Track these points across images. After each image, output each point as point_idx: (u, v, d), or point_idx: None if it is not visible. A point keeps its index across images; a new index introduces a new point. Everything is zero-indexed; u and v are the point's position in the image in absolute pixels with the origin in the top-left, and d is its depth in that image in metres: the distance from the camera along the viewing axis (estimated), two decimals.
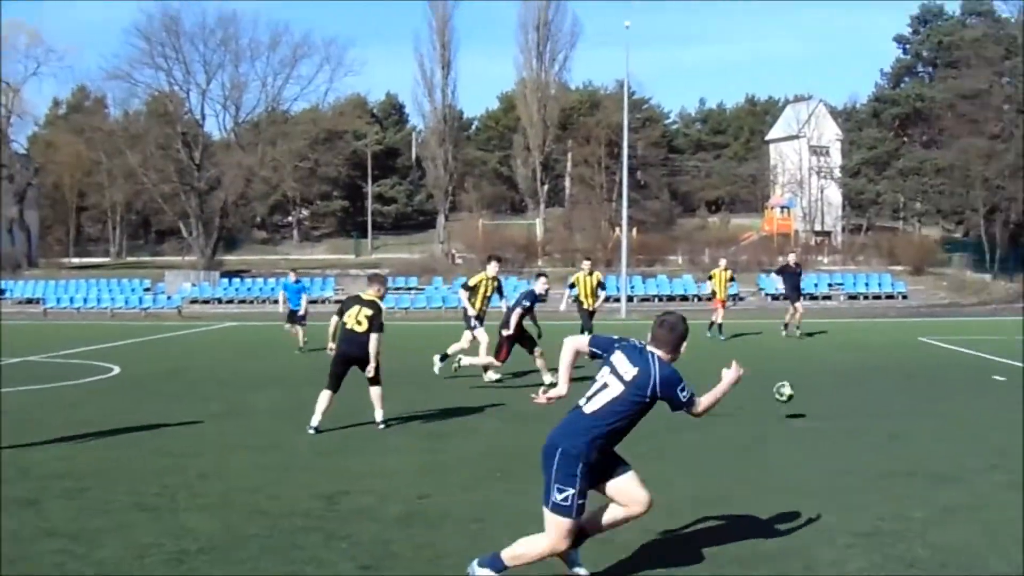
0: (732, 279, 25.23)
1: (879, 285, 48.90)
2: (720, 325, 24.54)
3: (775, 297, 43.89)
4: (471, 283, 15.69)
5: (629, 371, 5.68)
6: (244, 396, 14.74)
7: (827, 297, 46.91)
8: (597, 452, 5.61)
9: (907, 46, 69.31)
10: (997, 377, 16.22)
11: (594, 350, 5.97)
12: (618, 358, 5.77)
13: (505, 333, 14.61)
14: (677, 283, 48.49)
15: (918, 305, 45.20)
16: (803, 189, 70.92)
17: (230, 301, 49.06)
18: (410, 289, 49.77)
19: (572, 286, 19.80)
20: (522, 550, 5.65)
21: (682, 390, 5.68)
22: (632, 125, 56.94)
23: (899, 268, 52.84)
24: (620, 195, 49.28)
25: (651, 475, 6.41)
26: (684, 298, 46.48)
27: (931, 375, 17.09)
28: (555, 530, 5.59)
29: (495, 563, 5.65)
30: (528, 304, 14.71)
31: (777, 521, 7.12)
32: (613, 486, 5.78)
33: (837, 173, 71.13)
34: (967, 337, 24.72)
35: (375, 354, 11.08)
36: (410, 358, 18.56)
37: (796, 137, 73.50)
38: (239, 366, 20.30)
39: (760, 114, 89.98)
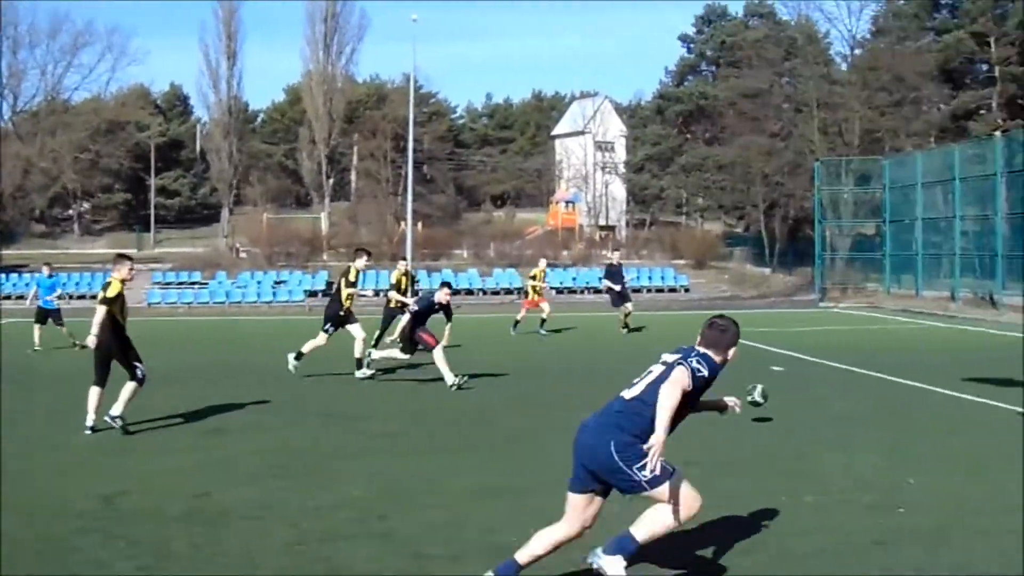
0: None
1: (662, 279, 50.20)
2: (543, 320, 24.45)
3: (559, 291, 44.77)
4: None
5: (672, 356, 5.69)
6: (28, 395, 14.34)
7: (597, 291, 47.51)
8: (643, 435, 5.42)
9: (691, 45, 71.85)
10: (775, 368, 16.76)
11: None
12: (663, 357, 5.76)
13: (413, 328, 14.76)
14: (462, 277, 48.36)
15: (700, 298, 46.34)
16: (588, 184, 72.07)
17: (7, 297, 45.36)
18: (193, 284, 48.48)
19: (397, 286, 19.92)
20: (654, 519, 5.45)
21: (701, 363, 5.58)
22: (418, 119, 57.14)
23: (682, 262, 54.21)
24: (406, 189, 49.17)
25: (439, 468, 6.91)
26: (469, 292, 46.51)
27: None
28: (670, 497, 5.41)
29: (626, 545, 5.41)
30: (418, 311, 14.81)
31: (560, 513, 6.74)
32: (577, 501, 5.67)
33: (622, 169, 72.83)
34: (747, 329, 25.30)
35: (94, 323, 10.85)
36: (195, 354, 18.25)
37: (581, 133, 74.91)
38: (14, 364, 18.99)
39: (546, 110, 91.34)
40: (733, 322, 5.92)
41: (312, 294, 44.97)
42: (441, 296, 15.12)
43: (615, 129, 75.13)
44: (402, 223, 52.60)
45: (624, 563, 5.39)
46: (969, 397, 13.37)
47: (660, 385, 5.43)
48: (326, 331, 15.71)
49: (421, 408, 12.85)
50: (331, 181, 69.99)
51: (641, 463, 5.29)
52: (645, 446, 5.28)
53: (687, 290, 49.06)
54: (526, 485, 8.30)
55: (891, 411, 12.38)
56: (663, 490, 5.38)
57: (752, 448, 9.95)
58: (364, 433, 11.10)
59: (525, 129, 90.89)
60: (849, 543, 6.64)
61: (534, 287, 24.81)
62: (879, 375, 15.90)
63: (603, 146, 74.73)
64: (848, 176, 42.98)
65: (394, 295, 18.37)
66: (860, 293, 40.84)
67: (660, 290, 48.74)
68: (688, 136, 68.37)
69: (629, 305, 24.04)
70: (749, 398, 8.14)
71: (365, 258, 15.96)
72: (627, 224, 71.75)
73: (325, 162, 68.65)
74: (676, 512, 5.39)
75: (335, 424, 11.62)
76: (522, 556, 5.57)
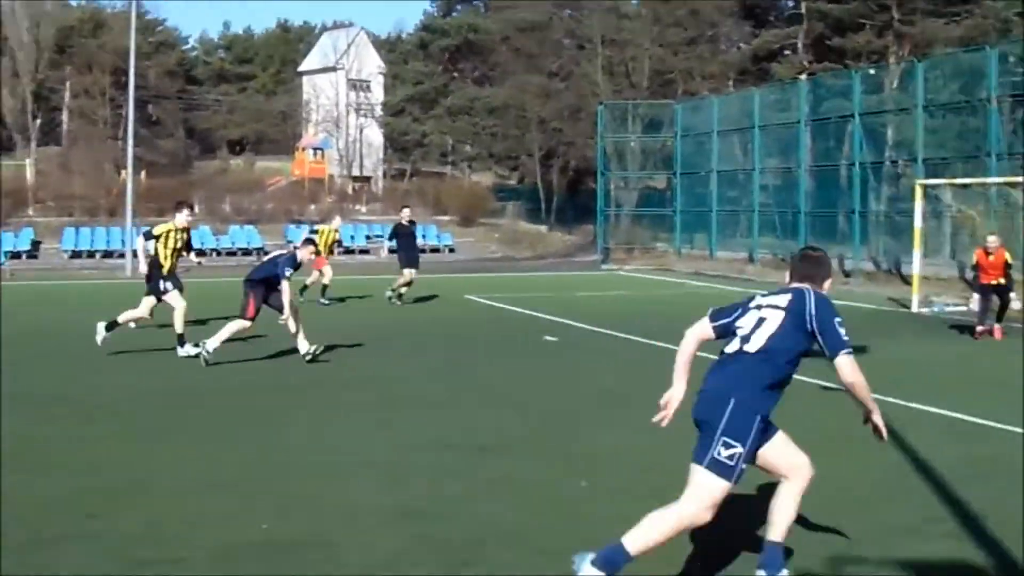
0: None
1: (424, 237, 48.15)
2: (325, 287, 23.21)
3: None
4: (156, 232, 15.63)
5: (782, 299, 5.62)
6: None
7: (365, 251, 45.84)
8: (773, 405, 5.51)
9: None
10: (549, 337, 17.19)
11: (720, 324, 5.76)
12: (759, 301, 5.71)
13: (253, 294, 14.44)
14: (193, 235, 44.62)
15: (466, 259, 45.62)
16: (340, 128, 70.98)
17: None
18: None
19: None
20: (651, 533, 5.24)
21: (840, 325, 5.47)
22: (142, 50, 55.63)
23: (446, 218, 54.39)
24: (127, 132, 47.34)
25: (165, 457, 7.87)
26: (201, 252, 42.67)
27: (478, 336, 17.80)
28: (705, 494, 5.28)
29: (615, 558, 5.19)
30: (288, 274, 14.47)
31: (298, 507, 7.34)
32: (771, 452, 5.60)
33: (379, 111, 72.24)
34: (520, 294, 25.46)
35: None
36: None
37: (333, 69, 73.86)
38: None
39: (293, 42, 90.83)
40: (824, 252, 6.07)
41: (15, 255, 42.83)
42: (305, 253, 14.91)
43: (372, 65, 74.21)
44: (123, 172, 49.32)
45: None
46: None
47: (782, 342, 5.46)
48: (164, 291, 15.36)
49: (164, 387, 12.53)
50: (38, 122, 67.87)
51: (731, 442, 5.30)
52: (877, 419, 5.56)
53: (452, 250, 48.60)
54: (262, 476, 8.29)
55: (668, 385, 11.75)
56: (713, 484, 5.31)
57: (520, 428, 10.16)
58: (83, 418, 10.67)
59: (268, 64, 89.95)
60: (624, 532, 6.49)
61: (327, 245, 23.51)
62: (665, 345, 15.71)
63: (358, 85, 73.65)
64: (636, 122, 42.92)
65: (143, 245, 17.08)
66: (648, 254, 40.94)
67: (422, 251, 46.14)
68: (455, 75, 69.10)
69: (414, 272, 23.28)
70: None
71: (187, 212, 15.88)
72: (384, 175, 71.26)
73: (31, 100, 66.25)
74: (691, 512, 5.35)
75: (58, 408, 11.21)
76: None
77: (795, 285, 5.69)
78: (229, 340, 14.11)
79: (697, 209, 39.24)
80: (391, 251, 23.75)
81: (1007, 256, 17.46)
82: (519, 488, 7.86)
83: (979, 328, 17.32)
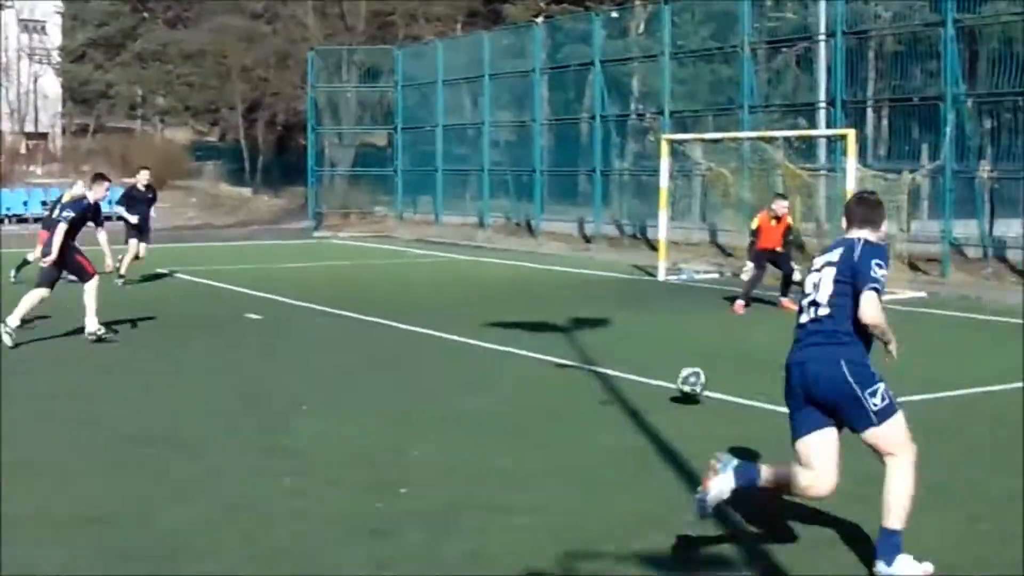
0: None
1: (109, 203, 44.28)
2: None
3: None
4: None
5: (835, 254, 6.16)
6: None
7: (38, 219, 42.39)
8: (868, 349, 6.06)
9: None
10: (251, 315, 17.06)
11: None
12: (817, 262, 6.29)
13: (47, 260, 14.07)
14: None
15: (160, 227, 42.47)
16: (9, 77, 67.47)
17: None
18: None
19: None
20: (903, 499, 5.89)
21: (879, 267, 6.00)
22: None
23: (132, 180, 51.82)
24: None
25: None
26: None
27: (170, 315, 17.32)
28: (900, 435, 5.95)
29: (892, 545, 5.87)
30: (74, 216, 13.89)
31: None
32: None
33: (56, 57, 69.97)
34: (220, 267, 25.28)
35: None
36: None
37: (1, 7, 69.81)
38: None
39: None
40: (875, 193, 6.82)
41: None
42: (99, 192, 14.59)
43: (47, 4, 70.63)
44: None
45: (907, 557, 5.88)
46: (491, 346, 13.85)
47: (840, 292, 6.02)
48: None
49: None
50: None
51: (873, 389, 5.88)
52: (893, 348, 6.09)
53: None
54: None
55: (393, 365, 12.74)
56: (894, 423, 5.94)
57: (215, 418, 10.00)
58: None
59: None
60: (340, 533, 6.75)
61: None
62: (382, 321, 16.28)
63: (30, 26, 70.12)
64: (351, 71, 42.46)
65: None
66: (366, 219, 41.03)
67: (107, 218, 43.48)
68: (145, 15, 67.13)
69: (142, 247, 22.06)
70: (687, 388, 9.72)
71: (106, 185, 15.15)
72: (63, 131, 68.81)
73: None
74: (910, 456, 5.96)
75: None
76: (767, 475, 6.10)
77: (851, 235, 6.23)
78: None
79: (421, 169, 39.05)
80: (120, 219, 22.38)
81: (790, 222, 17.47)
82: (214, 488, 7.74)
83: (739, 302, 17.00)
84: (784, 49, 26.53)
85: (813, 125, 24.80)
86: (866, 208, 6.30)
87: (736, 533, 6.54)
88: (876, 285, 5.88)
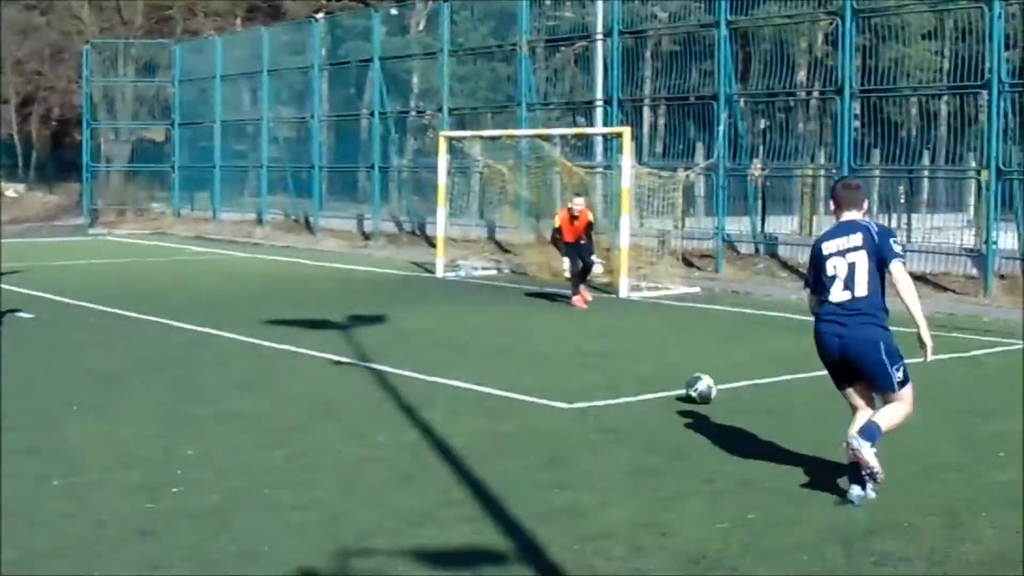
0: None
1: None
2: None
3: None
4: None
5: (855, 239, 6.87)
6: None
7: None
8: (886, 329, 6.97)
9: None
10: (23, 314, 16.39)
11: (811, 286, 7.32)
12: (837, 248, 6.92)
13: None
14: None
15: None
16: None
17: None
18: None
19: None
20: (893, 416, 6.90)
21: (896, 242, 6.94)
22: None
23: None
24: None
25: None
26: None
27: None
28: (909, 398, 6.94)
29: (873, 433, 6.77)
30: None
31: None
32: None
33: None
34: None
35: None
36: None
37: None
38: None
39: None
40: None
41: None
42: None
43: None
44: None
45: (873, 449, 6.79)
46: (268, 343, 13.69)
47: (874, 273, 6.83)
48: None
49: None
50: None
51: (898, 365, 6.82)
52: (929, 344, 6.87)
53: None
54: None
55: (165, 364, 12.51)
56: (908, 391, 6.93)
57: None
58: None
59: None
60: (109, 535, 6.49)
61: None
62: (158, 319, 16.05)
63: None
64: (128, 65, 41.53)
65: None
66: (143, 216, 40.03)
67: None
68: None
69: None
70: (693, 392, 9.61)
71: None
72: None
73: None
74: (909, 411, 6.99)
75: None
76: (884, 426, 6.88)
77: (850, 218, 6.98)
78: None
79: (199, 165, 37.96)
80: None
81: (590, 217, 17.26)
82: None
83: (575, 297, 16.99)
84: (562, 48, 25.88)
85: (591, 123, 24.34)
86: (852, 192, 7.09)
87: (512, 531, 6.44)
88: (902, 258, 6.82)
